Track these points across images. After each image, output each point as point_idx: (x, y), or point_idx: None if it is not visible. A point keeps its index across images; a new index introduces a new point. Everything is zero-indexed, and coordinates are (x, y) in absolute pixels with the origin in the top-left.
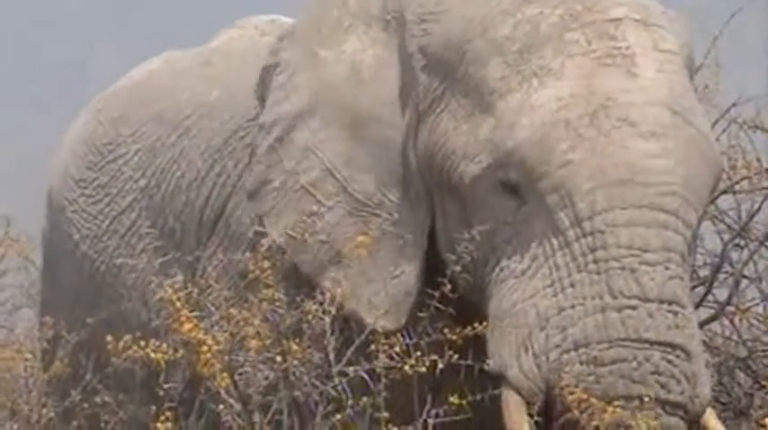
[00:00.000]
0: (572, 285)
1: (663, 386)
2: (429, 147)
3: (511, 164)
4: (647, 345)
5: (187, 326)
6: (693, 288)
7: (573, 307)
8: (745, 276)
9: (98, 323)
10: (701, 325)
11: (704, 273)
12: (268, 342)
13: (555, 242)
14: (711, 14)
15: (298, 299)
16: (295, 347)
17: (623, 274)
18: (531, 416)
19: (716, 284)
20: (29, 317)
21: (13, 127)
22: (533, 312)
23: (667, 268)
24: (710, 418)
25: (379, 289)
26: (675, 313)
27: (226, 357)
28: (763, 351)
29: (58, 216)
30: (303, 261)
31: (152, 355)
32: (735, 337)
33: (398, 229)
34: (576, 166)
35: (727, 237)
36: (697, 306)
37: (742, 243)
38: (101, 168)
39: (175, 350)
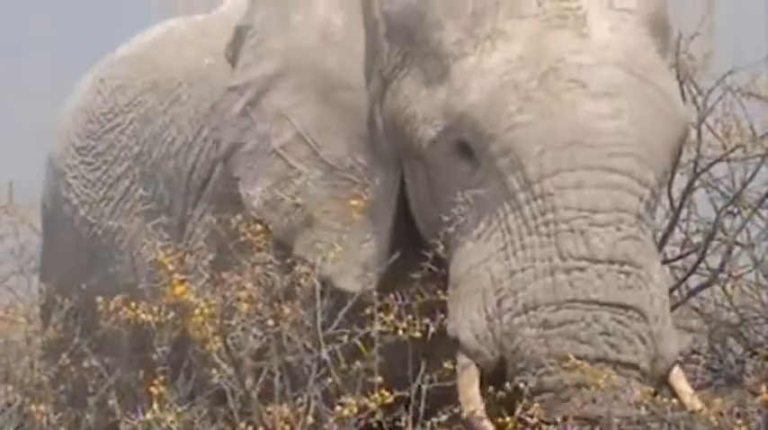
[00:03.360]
0: (523, 248)
1: (613, 346)
2: (392, 112)
3: (463, 127)
4: (596, 306)
5: (179, 289)
6: (686, 255)
7: (523, 270)
8: (737, 243)
9: (91, 287)
10: (694, 292)
11: (697, 240)
12: (260, 305)
13: (507, 205)
14: None
15: (287, 261)
16: (287, 311)
17: (572, 236)
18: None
19: (709, 252)
20: (20, 282)
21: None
22: (487, 276)
23: (619, 229)
24: (678, 379)
25: (351, 253)
26: (628, 274)
27: (217, 321)
28: (755, 318)
29: (58, 181)
30: (276, 225)
31: (143, 317)
32: (727, 304)
33: (369, 193)
34: (524, 129)
35: (720, 204)
36: (689, 273)
37: (735, 210)
38: (99, 137)
39: (166, 312)
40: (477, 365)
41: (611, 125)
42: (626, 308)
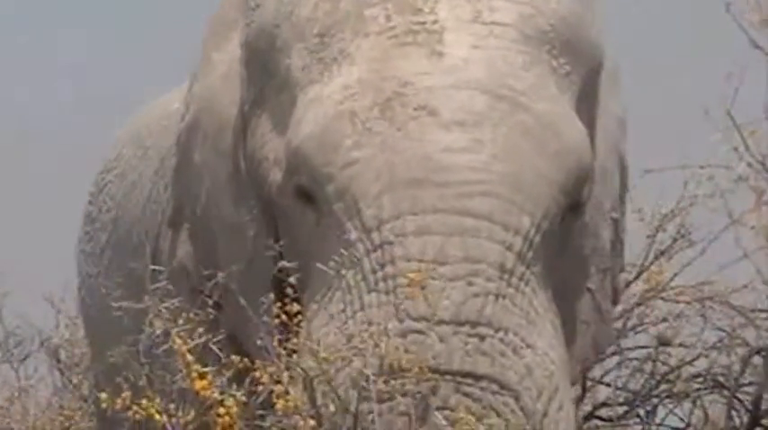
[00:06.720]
0: (362, 308)
1: (455, 423)
2: (251, 154)
3: (299, 166)
4: (435, 376)
5: (200, 383)
6: None
7: (360, 334)
8: None
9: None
10: None
11: None
12: (298, 403)
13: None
14: None
15: None
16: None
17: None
18: None
19: None
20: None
21: None
22: (324, 344)
23: (471, 283)
24: None
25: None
26: (482, 337)
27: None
28: None
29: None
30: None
31: (157, 417)
32: None
33: (251, 251)
34: (361, 166)
35: None
36: None
37: None
38: (95, 200)
39: (185, 411)
40: None
41: (465, 159)
42: (476, 377)
